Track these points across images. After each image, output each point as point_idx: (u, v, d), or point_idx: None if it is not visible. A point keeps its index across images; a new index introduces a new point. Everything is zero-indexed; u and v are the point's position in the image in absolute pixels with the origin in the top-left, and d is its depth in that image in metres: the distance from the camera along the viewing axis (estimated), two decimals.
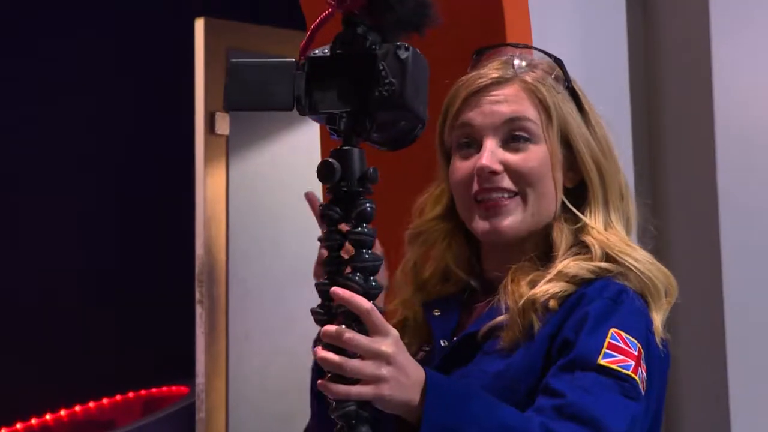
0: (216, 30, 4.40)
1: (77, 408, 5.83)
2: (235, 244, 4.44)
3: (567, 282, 1.62)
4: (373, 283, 1.40)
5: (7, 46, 6.16)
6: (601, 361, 1.53)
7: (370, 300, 1.39)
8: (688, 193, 2.94)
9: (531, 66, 1.71)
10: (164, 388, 6.00)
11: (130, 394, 5.99)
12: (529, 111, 1.68)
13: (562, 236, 1.67)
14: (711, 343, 2.87)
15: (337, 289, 1.38)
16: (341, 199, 1.43)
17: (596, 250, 1.64)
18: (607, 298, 1.59)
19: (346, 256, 1.43)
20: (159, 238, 6.23)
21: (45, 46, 6.23)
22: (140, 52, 6.33)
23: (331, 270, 1.43)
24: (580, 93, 1.73)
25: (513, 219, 1.67)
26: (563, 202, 1.70)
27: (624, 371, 1.54)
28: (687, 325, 2.81)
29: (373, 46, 1.41)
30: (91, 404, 5.87)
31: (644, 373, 1.56)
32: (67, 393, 5.84)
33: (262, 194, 4.55)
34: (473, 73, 1.72)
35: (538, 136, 1.68)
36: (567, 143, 1.69)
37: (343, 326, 1.38)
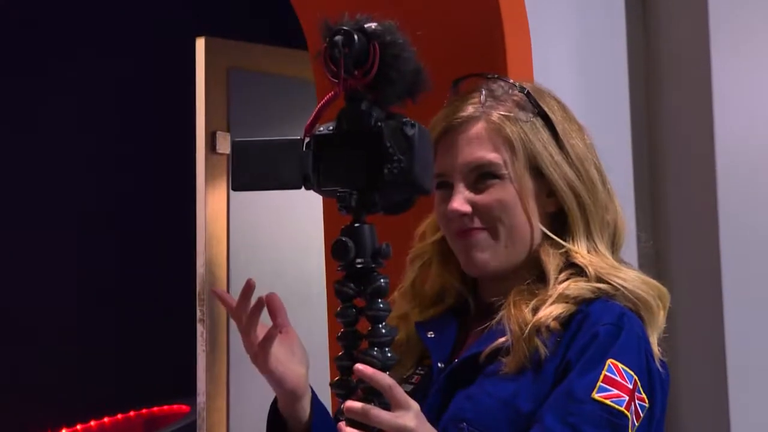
0: (217, 49, 4.41)
1: (78, 427, 5.83)
2: (235, 263, 4.44)
3: (568, 303, 1.65)
4: (389, 355, 1.45)
5: (10, 66, 6.17)
6: (595, 396, 1.57)
7: (387, 371, 1.43)
8: (689, 215, 2.94)
9: (497, 100, 1.74)
10: (165, 407, 6.00)
11: (132, 413, 5.98)
12: (492, 152, 1.70)
13: (550, 259, 1.70)
14: (712, 366, 2.87)
15: (360, 366, 1.42)
16: (355, 276, 1.46)
17: (590, 271, 1.67)
18: (609, 323, 1.62)
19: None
20: (160, 257, 6.24)
21: (46, 66, 6.24)
22: (141, 71, 6.35)
23: (347, 345, 1.47)
24: (553, 116, 1.74)
25: (488, 254, 1.71)
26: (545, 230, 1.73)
27: (617, 407, 1.57)
28: (688, 348, 2.81)
29: (379, 123, 1.44)
30: (93, 423, 5.87)
31: (641, 404, 1.60)
32: (69, 412, 5.84)
33: (263, 213, 4.55)
34: (445, 111, 1.76)
35: (503, 173, 1.70)
36: (540, 172, 1.72)
37: (364, 403, 1.42)
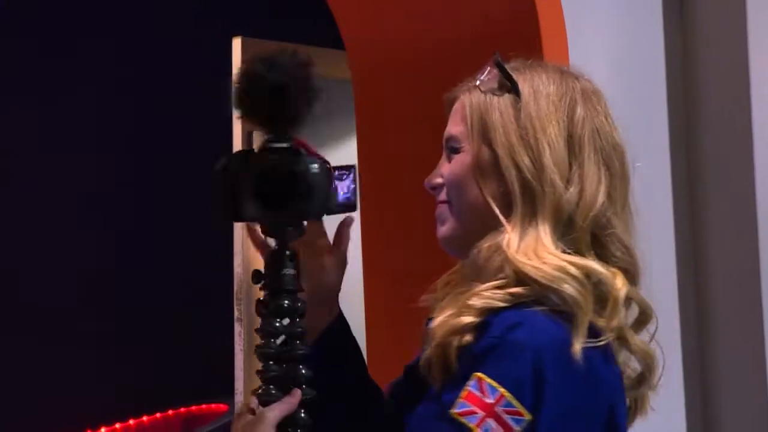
0: (253, 49, 4.41)
1: (117, 425, 5.86)
2: None
3: (478, 312, 1.60)
4: (273, 392, 1.67)
5: (49, 57, 6.21)
6: (454, 411, 1.53)
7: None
8: (728, 215, 2.92)
9: (475, 77, 1.75)
10: (204, 406, 6.02)
11: (170, 412, 6.00)
12: (457, 126, 1.73)
13: (488, 253, 1.65)
14: (752, 367, 2.85)
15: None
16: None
17: (510, 273, 1.61)
18: (493, 336, 1.56)
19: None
20: (197, 257, 6.26)
21: (84, 63, 6.28)
22: (177, 71, 6.37)
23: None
24: (524, 92, 1.69)
25: (447, 226, 1.73)
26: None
27: (467, 424, 1.52)
28: (727, 348, 2.80)
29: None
30: (131, 422, 5.89)
31: (514, 417, 1.52)
32: (107, 411, 5.87)
33: None
34: None
35: (461, 146, 1.72)
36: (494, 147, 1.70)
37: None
